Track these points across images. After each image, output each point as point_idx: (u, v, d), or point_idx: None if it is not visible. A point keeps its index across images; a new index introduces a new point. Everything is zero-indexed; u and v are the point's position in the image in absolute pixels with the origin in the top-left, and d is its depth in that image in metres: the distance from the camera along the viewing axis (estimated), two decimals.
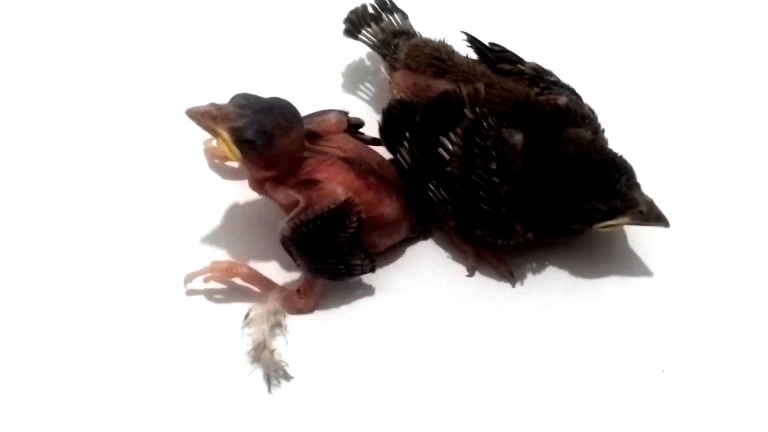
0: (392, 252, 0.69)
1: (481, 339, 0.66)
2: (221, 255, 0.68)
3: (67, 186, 0.72)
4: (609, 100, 0.73)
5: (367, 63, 0.80)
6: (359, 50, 0.78)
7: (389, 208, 0.67)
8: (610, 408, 0.63)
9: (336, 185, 0.65)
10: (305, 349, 0.65)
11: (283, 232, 0.64)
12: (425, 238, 0.70)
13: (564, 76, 0.71)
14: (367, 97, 0.78)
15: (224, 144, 0.64)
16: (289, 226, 0.64)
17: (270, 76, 0.78)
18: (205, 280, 0.67)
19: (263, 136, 0.63)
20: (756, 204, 0.72)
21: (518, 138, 0.66)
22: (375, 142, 0.71)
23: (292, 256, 0.65)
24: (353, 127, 0.70)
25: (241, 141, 0.63)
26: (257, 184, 0.67)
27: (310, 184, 0.65)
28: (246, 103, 0.64)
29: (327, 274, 0.65)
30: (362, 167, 0.67)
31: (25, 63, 0.80)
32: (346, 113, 0.70)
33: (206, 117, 0.63)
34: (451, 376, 0.64)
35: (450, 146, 0.67)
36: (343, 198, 0.64)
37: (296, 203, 0.65)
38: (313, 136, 0.67)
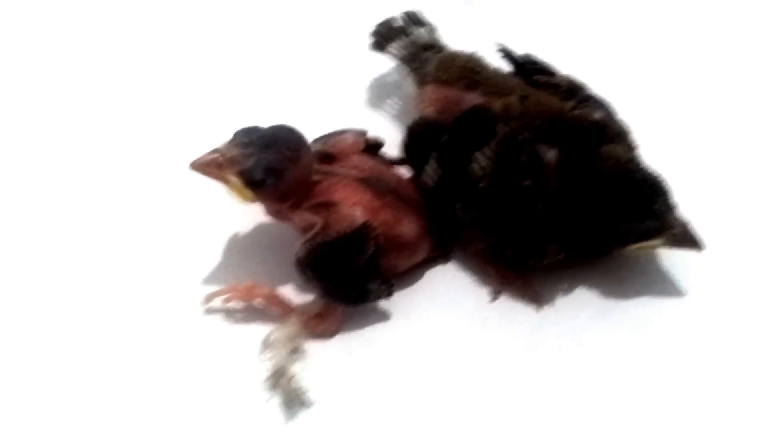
0: (412, 274, 0.68)
1: (507, 366, 0.64)
2: (242, 276, 0.67)
3: (87, 207, 0.72)
4: (643, 114, 0.71)
5: (391, 78, 0.79)
6: (381, 65, 0.78)
7: (408, 228, 0.66)
8: None
9: (353, 207, 0.64)
10: (324, 374, 0.64)
11: (298, 254, 0.64)
12: (446, 260, 0.69)
13: (598, 89, 0.70)
14: (392, 112, 0.78)
15: (235, 188, 0.63)
16: (305, 248, 0.63)
17: (292, 94, 0.78)
18: (225, 301, 0.66)
19: (273, 173, 0.63)
20: None
21: (553, 154, 0.64)
22: (398, 162, 0.70)
23: (306, 279, 0.64)
24: (372, 147, 0.69)
25: (251, 183, 0.63)
26: (273, 212, 0.67)
27: (327, 206, 0.64)
28: (248, 141, 0.63)
29: (342, 298, 0.65)
30: (380, 187, 0.66)
31: (48, 76, 0.80)
32: (364, 133, 0.69)
33: (212, 166, 0.63)
34: (475, 405, 0.63)
35: (481, 163, 0.65)
36: (360, 221, 0.63)
37: (313, 226, 0.64)
38: (329, 158, 0.67)
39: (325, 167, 0.66)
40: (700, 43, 0.82)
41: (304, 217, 0.65)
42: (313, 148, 0.67)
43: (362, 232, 0.63)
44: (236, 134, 0.64)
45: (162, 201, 0.72)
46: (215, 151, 0.63)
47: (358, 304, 0.65)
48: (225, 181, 0.63)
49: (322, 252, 0.63)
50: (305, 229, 0.65)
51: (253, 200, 0.64)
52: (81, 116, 0.77)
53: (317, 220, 0.64)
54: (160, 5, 0.85)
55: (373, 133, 0.70)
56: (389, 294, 0.65)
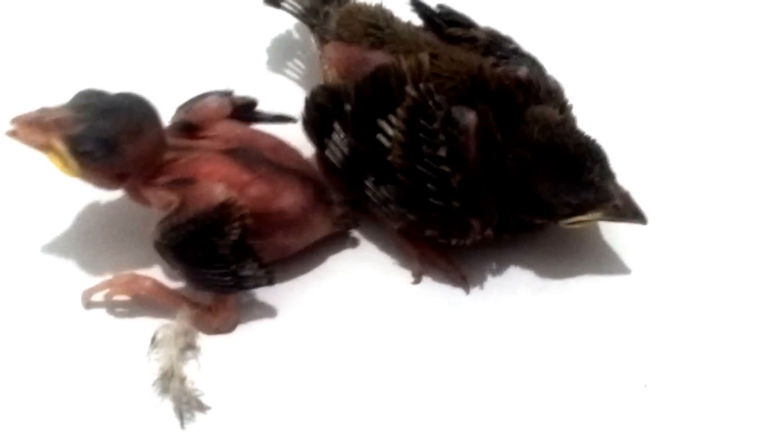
0: (320, 255, 0.65)
1: (433, 356, 0.61)
2: (123, 266, 0.63)
3: None
4: (576, 71, 0.69)
5: (296, 35, 0.76)
6: (285, 19, 0.74)
7: (290, 200, 0.62)
8: (588, 428, 0.59)
9: (214, 184, 0.60)
10: (222, 373, 0.60)
11: (154, 236, 0.60)
12: (354, 241, 0.66)
13: (524, 43, 0.67)
14: (296, 76, 0.74)
15: (58, 157, 0.59)
16: (159, 230, 0.60)
17: (175, 56, 0.74)
18: (106, 297, 0.62)
19: (104, 145, 0.59)
20: (739, 196, 0.69)
21: (471, 118, 0.61)
22: (277, 119, 0.66)
23: (169, 264, 0.61)
24: (242, 109, 0.66)
25: (77, 152, 0.59)
26: (131, 189, 0.63)
27: (186, 182, 0.61)
28: (85, 104, 0.59)
29: (211, 286, 0.61)
30: (250, 157, 0.62)
31: None
32: (229, 93, 0.66)
33: (35, 127, 0.59)
34: (398, 400, 0.60)
35: (390, 131, 0.62)
36: (221, 198, 0.60)
37: (171, 205, 0.61)
38: (191, 128, 0.64)
39: (183, 142, 0.62)
40: None
41: (160, 195, 0.61)
42: (174, 119, 0.64)
43: (222, 212, 0.60)
44: (75, 96, 0.60)
45: (36, 187, 0.68)
46: (43, 109, 0.59)
47: (233, 293, 0.61)
48: (48, 147, 0.59)
49: (178, 234, 0.59)
50: (165, 210, 0.62)
51: (77, 174, 0.60)
52: None
53: (174, 198, 0.60)
54: None
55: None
56: (270, 281, 0.61)
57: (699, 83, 0.74)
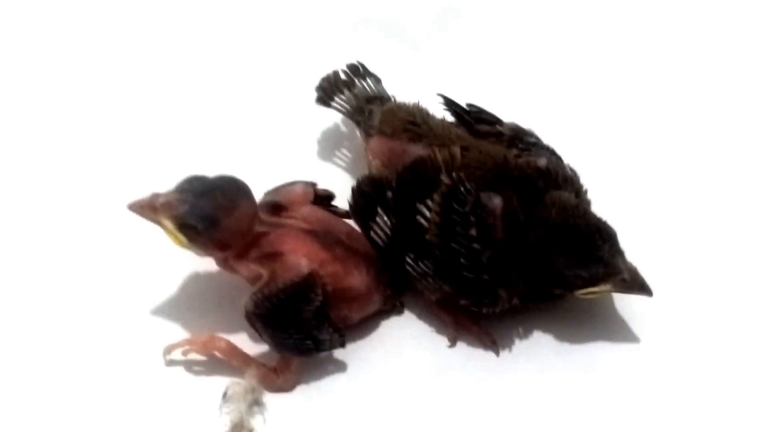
0: (368, 325, 0.68)
1: (467, 412, 0.64)
2: (201, 328, 0.67)
3: (43, 254, 0.72)
4: (591, 159, 0.72)
5: (343, 129, 0.79)
6: (334, 116, 0.77)
7: (358, 280, 0.66)
8: None
9: (300, 257, 0.64)
10: (285, 427, 0.63)
11: (247, 306, 0.63)
12: (401, 310, 0.69)
13: (545, 135, 0.70)
14: (344, 164, 0.77)
15: (169, 232, 0.64)
16: (253, 301, 0.63)
17: (243, 149, 0.77)
18: (184, 353, 0.66)
19: (205, 220, 0.63)
20: (743, 269, 0.71)
21: (497, 202, 0.65)
22: (348, 215, 0.70)
23: (257, 331, 0.64)
24: (322, 199, 0.70)
25: (183, 228, 0.63)
26: (221, 261, 0.66)
27: (273, 256, 0.64)
28: (188, 188, 0.64)
29: (293, 349, 0.64)
30: (328, 239, 0.66)
31: None
32: (313, 184, 0.69)
33: (147, 208, 0.64)
34: None
35: (427, 213, 0.65)
36: (306, 270, 0.64)
37: (260, 277, 0.64)
38: (278, 208, 0.67)
39: (272, 218, 0.66)
40: (646, 90, 0.82)
41: (251, 268, 0.65)
42: (264, 200, 0.68)
43: (309, 281, 0.64)
44: (180, 181, 0.64)
45: (124, 252, 0.72)
46: (154, 195, 0.64)
47: (311, 355, 0.65)
48: (160, 224, 0.64)
49: (270, 303, 0.63)
50: (253, 281, 0.65)
51: (187, 246, 0.64)
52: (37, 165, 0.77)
53: (263, 271, 0.64)
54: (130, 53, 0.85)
55: (326, 184, 0.70)
56: (342, 343, 0.65)
57: (699, 173, 0.75)
